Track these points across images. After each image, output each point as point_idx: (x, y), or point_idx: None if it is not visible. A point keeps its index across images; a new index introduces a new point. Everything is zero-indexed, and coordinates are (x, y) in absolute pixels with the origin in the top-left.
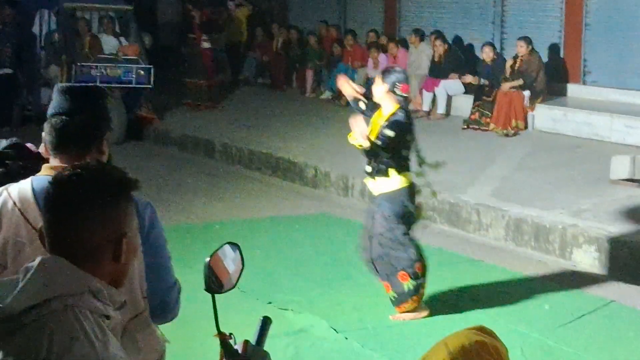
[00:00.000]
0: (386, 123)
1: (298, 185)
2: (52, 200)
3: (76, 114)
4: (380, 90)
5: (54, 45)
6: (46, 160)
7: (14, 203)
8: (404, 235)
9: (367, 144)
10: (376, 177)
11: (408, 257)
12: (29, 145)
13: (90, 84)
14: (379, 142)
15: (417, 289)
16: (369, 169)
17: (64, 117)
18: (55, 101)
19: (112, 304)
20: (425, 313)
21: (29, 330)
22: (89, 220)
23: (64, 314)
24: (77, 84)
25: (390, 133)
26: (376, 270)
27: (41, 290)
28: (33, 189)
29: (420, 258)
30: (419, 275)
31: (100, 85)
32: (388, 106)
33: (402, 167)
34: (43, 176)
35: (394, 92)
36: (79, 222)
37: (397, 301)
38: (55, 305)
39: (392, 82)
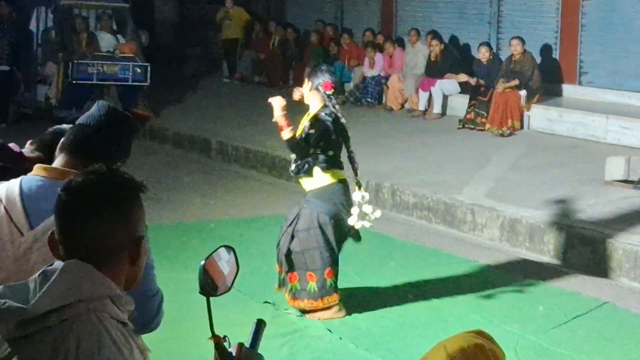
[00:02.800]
0: (309, 123)
1: (294, 184)
2: (66, 206)
3: (102, 131)
4: (305, 89)
5: (51, 42)
6: (29, 161)
7: (1, 201)
8: (324, 238)
9: (287, 135)
10: (302, 177)
11: (321, 261)
12: (11, 145)
13: (130, 114)
14: (300, 138)
15: (322, 294)
16: (292, 167)
17: (90, 128)
18: (91, 113)
19: (125, 312)
20: (342, 314)
21: (52, 333)
22: (107, 224)
23: (88, 319)
24: (121, 110)
25: (310, 131)
26: (286, 261)
27: (65, 293)
28: (21, 188)
29: (332, 265)
30: (326, 281)
31: (93, 82)
32: (314, 105)
33: (330, 166)
34: (33, 176)
35: (318, 90)
36: (96, 227)
37: (296, 294)
38: (79, 309)
39: (317, 81)
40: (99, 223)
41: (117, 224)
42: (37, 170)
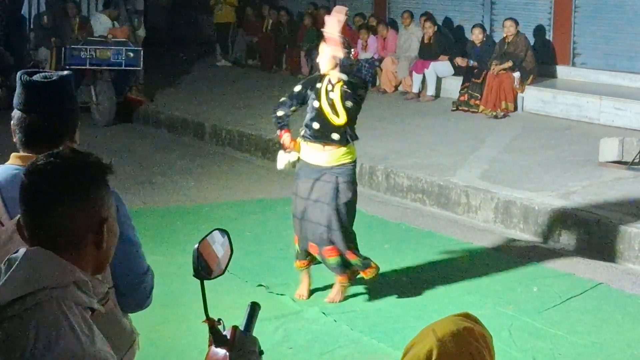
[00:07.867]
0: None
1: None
2: (28, 190)
3: (38, 110)
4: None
5: (43, 27)
6: None
7: None
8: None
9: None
10: (343, 146)
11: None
12: None
13: (52, 79)
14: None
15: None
16: (336, 136)
17: (31, 114)
18: (17, 94)
19: (96, 295)
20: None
21: (15, 322)
22: (68, 208)
23: (49, 307)
24: (38, 79)
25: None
26: (339, 239)
27: (26, 282)
28: None
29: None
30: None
31: (86, 67)
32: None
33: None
34: (9, 165)
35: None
36: (58, 211)
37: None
38: (41, 298)
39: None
40: (60, 207)
41: (78, 208)
42: (12, 160)
